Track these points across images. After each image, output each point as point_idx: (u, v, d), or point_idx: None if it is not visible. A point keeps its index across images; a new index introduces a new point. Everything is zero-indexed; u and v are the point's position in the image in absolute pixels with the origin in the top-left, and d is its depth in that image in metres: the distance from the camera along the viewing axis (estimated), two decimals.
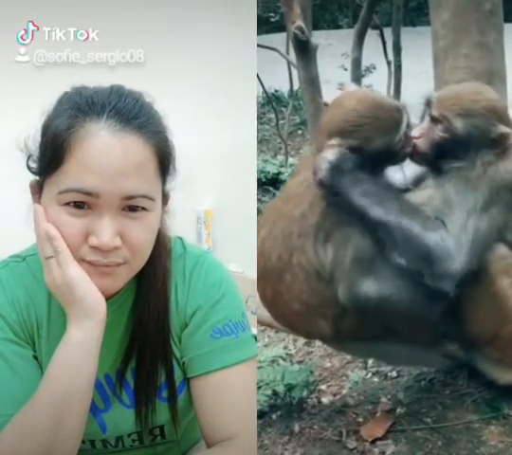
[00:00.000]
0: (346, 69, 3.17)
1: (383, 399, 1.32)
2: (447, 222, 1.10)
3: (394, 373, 1.44)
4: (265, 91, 3.16)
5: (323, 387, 1.47)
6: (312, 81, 1.77)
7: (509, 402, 1.25)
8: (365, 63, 3.24)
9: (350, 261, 1.12)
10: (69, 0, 2.19)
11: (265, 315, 1.32)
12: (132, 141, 0.85)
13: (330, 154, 1.11)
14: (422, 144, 1.19)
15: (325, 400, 1.40)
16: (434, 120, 1.19)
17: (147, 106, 0.90)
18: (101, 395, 0.96)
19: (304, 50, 1.74)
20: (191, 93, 2.40)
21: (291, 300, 1.18)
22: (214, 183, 2.49)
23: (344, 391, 1.43)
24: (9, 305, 0.92)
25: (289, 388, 1.36)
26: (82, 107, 0.86)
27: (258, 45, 2.35)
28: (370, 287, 1.13)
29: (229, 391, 0.92)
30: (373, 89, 1.20)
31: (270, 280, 1.19)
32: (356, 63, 2.85)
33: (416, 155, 1.19)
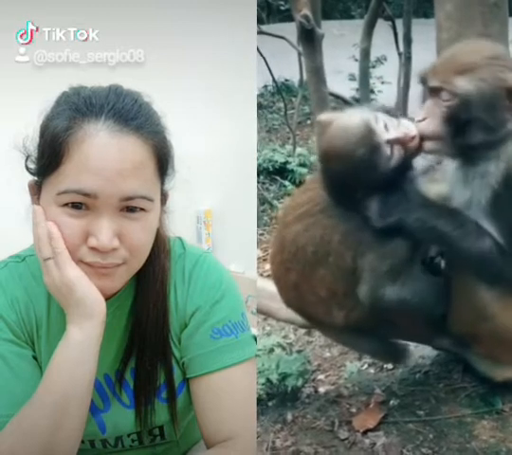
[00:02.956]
0: (357, 60, 3.16)
1: (377, 390, 1.33)
2: (486, 227, 1.06)
3: (390, 365, 1.44)
4: (274, 80, 3.12)
5: (322, 377, 1.47)
6: (317, 71, 1.76)
7: (503, 397, 1.25)
8: (377, 54, 3.20)
9: (384, 271, 1.14)
10: (69, 0, 2.19)
11: (264, 303, 1.33)
12: (130, 142, 0.85)
13: (371, 203, 1.09)
14: (429, 125, 1.04)
15: (322, 390, 1.40)
16: (434, 92, 1.04)
17: (145, 106, 0.90)
18: (101, 395, 0.96)
19: (309, 39, 1.73)
20: (191, 93, 2.40)
21: (318, 287, 1.19)
22: (214, 183, 2.49)
23: (341, 382, 1.43)
24: (9, 306, 0.92)
25: (284, 376, 1.36)
26: (80, 108, 0.86)
27: (266, 34, 2.33)
28: (393, 292, 1.15)
29: (229, 392, 0.92)
30: (338, 119, 1.08)
31: (300, 267, 1.19)
32: (365, 53, 2.83)
33: (428, 142, 1.05)
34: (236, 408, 0.92)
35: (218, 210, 2.64)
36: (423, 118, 1.06)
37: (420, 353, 1.40)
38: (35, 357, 0.93)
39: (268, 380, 1.35)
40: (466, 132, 1.03)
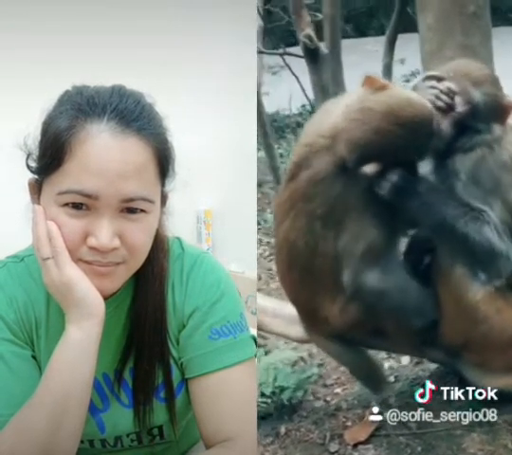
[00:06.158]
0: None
1: (373, 403, 1.33)
2: (486, 216, 1.12)
3: (392, 379, 1.45)
4: (307, 99, 3.12)
5: (338, 390, 1.48)
6: (322, 88, 1.80)
7: (497, 409, 1.24)
8: (411, 68, 3.23)
9: (360, 252, 1.15)
10: (70, 1, 2.19)
11: (266, 320, 1.34)
12: (132, 143, 0.85)
13: (392, 175, 1.11)
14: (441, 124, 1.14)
15: (334, 402, 1.41)
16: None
17: (148, 108, 0.89)
18: (100, 395, 0.96)
19: (314, 58, 1.77)
20: (190, 93, 2.41)
21: (316, 281, 1.20)
22: (214, 183, 2.50)
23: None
24: (8, 305, 0.92)
25: (281, 389, 1.37)
26: (82, 107, 0.85)
27: (290, 54, 2.36)
28: (374, 279, 1.16)
29: (228, 392, 0.92)
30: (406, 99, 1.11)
31: (298, 262, 1.21)
32: (387, 68, 2.89)
33: (435, 139, 1.13)
34: (235, 408, 0.92)
35: (218, 210, 2.64)
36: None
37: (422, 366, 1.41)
38: (34, 357, 0.93)
39: (263, 394, 1.35)
40: (464, 135, 1.15)
